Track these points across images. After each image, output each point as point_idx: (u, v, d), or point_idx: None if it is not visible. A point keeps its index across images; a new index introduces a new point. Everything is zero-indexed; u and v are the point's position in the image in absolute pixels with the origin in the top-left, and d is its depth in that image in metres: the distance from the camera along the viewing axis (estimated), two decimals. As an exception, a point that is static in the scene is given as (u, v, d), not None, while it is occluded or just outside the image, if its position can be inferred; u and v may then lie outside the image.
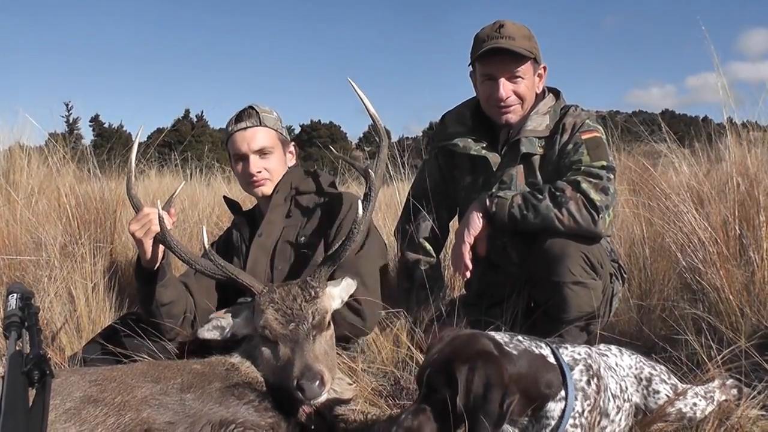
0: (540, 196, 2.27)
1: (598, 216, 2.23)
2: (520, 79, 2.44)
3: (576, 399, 1.58)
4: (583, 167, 2.32)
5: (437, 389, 1.48)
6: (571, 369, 1.62)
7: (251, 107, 2.48)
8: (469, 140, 2.58)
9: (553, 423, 1.55)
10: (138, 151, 2.33)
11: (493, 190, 2.41)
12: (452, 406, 1.44)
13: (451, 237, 3.26)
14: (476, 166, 2.60)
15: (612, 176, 2.31)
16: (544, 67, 2.55)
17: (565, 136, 2.43)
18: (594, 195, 2.23)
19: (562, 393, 1.56)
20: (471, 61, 2.55)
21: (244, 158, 2.46)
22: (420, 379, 1.54)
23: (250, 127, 2.44)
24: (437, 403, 1.47)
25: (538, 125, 2.49)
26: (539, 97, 2.57)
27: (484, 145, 2.56)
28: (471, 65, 2.58)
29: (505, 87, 2.43)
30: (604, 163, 2.33)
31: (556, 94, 2.61)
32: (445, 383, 1.46)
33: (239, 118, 2.46)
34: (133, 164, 2.26)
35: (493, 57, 2.42)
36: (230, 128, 2.47)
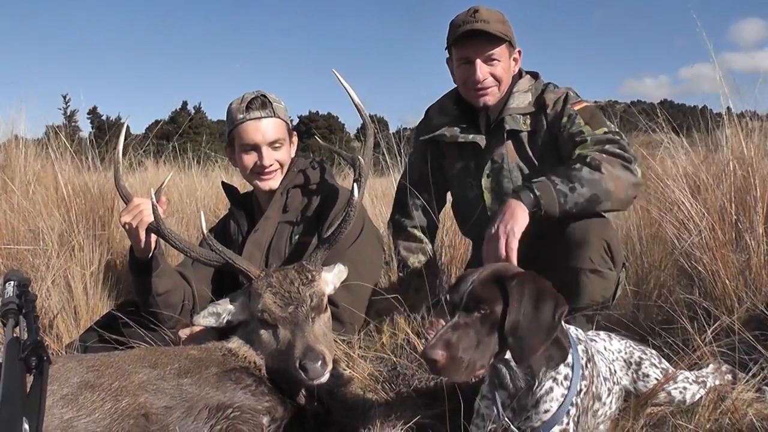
0: (576, 167, 2.14)
1: (632, 164, 2.17)
2: (496, 61, 2.44)
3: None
4: (589, 138, 2.26)
5: (484, 303, 1.43)
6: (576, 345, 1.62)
7: (263, 95, 2.40)
8: (455, 128, 2.59)
9: (555, 388, 1.53)
10: (126, 142, 2.31)
11: (520, 184, 2.15)
12: (500, 321, 1.41)
13: (448, 227, 3.27)
14: (465, 151, 2.60)
15: (620, 138, 2.25)
16: (519, 51, 2.55)
17: (551, 111, 2.42)
18: (617, 152, 2.19)
19: (569, 359, 1.55)
20: (447, 46, 2.55)
21: (256, 149, 2.38)
22: (457, 298, 1.47)
23: (264, 117, 2.36)
24: (478, 320, 1.43)
25: (521, 102, 2.50)
26: (515, 78, 2.57)
27: (471, 130, 2.57)
28: (447, 50, 2.58)
29: (481, 69, 2.43)
30: (606, 129, 2.29)
31: (535, 75, 2.61)
32: (494, 297, 1.43)
33: (250, 106, 2.36)
34: (120, 155, 2.22)
35: (469, 40, 2.42)
36: (240, 116, 2.36)
